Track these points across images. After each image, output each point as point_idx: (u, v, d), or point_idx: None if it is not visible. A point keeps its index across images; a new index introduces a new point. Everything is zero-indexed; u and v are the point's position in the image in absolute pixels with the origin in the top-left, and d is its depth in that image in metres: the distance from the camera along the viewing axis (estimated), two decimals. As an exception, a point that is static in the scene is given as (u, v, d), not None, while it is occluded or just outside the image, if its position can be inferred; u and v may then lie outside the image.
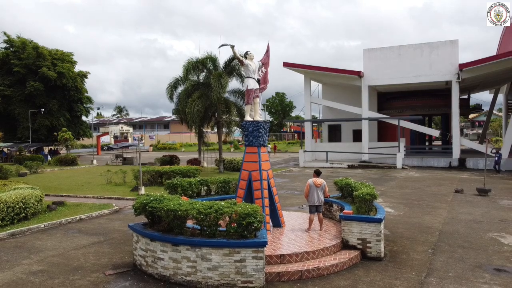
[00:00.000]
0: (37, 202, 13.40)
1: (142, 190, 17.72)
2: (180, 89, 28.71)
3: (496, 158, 24.96)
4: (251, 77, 9.95)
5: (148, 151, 67.34)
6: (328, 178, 24.05)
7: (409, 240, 10.10)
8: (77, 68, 49.05)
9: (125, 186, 20.48)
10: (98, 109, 62.84)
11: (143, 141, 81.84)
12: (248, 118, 9.94)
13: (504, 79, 36.60)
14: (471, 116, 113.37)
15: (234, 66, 26.01)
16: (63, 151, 49.21)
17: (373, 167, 29.50)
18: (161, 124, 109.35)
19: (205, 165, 31.77)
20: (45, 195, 18.18)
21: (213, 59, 26.37)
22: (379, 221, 8.54)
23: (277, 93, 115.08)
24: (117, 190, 19.51)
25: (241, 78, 26.78)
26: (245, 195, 9.77)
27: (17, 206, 12.26)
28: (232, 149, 63.05)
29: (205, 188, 12.02)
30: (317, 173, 9.93)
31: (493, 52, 31.37)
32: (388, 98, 36.87)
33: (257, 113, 10.10)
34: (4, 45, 45.65)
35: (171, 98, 29.47)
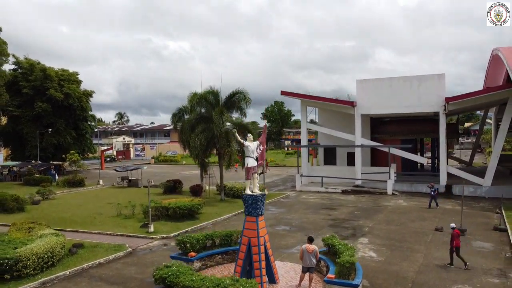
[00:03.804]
0: (61, 249, 15.16)
1: (151, 228, 19.45)
2: (184, 111, 30.58)
3: (432, 193, 25.00)
4: (250, 157, 11.76)
5: (149, 163, 69.13)
6: (323, 207, 25.93)
7: (385, 294, 11.89)
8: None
9: (134, 220, 22.22)
10: (102, 124, 64.44)
11: (144, 151, 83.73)
12: (247, 191, 11.72)
13: (492, 104, 38.49)
14: (467, 124, 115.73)
15: (234, 101, 27.82)
16: (66, 164, 51.12)
17: (365, 193, 31.29)
18: (162, 132, 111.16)
19: (207, 187, 33.47)
20: (62, 230, 20.13)
21: (215, 93, 28.17)
22: (356, 286, 10.34)
23: (276, 102, 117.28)
24: (128, 224, 21.26)
25: (241, 110, 28.67)
26: (245, 257, 11.59)
27: (46, 256, 14.04)
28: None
29: (210, 241, 13.82)
30: (310, 240, 11.72)
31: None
32: (381, 122, 38.71)
33: (255, 187, 11.89)
34: (13, 66, 47.53)
35: (175, 127, 31.47)
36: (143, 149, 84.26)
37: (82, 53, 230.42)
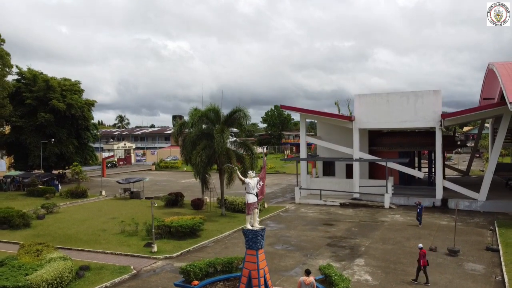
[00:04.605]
0: (69, 273, 15.81)
1: (155, 248, 20.10)
2: (185, 126, 31.24)
3: (418, 210, 25.32)
4: (250, 193, 12.39)
5: (150, 169, 69.83)
6: (322, 223, 26.55)
7: (378, 323, 12.52)
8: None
9: (138, 238, 22.84)
10: (103, 127, 65.11)
11: (145, 157, 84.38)
12: (248, 226, 12.36)
13: (487, 118, 39.10)
14: (466, 129, 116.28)
15: (234, 118, 28.46)
16: (68, 171, 52.02)
17: (363, 206, 31.93)
18: (162, 136, 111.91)
19: (208, 200, 34.06)
20: (68, 248, 20.83)
21: (216, 111, 28.84)
22: (350, 319, 11.00)
23: (275, 106, 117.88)
24: (131, 243, 21.88)
25: (241, 128, 29.35)
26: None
27: (55, 282, 14.69)
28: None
29: (212, 269, 14.46)
30: (307, 272, 12.34)
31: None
32: (379, 134, 39.34)
33: (255, 221, 12.53)
34: (16, 77, 48.21)
35: (176, 141, 32.15)
36: (144, 155, 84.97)
37: (81, 53, 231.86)
